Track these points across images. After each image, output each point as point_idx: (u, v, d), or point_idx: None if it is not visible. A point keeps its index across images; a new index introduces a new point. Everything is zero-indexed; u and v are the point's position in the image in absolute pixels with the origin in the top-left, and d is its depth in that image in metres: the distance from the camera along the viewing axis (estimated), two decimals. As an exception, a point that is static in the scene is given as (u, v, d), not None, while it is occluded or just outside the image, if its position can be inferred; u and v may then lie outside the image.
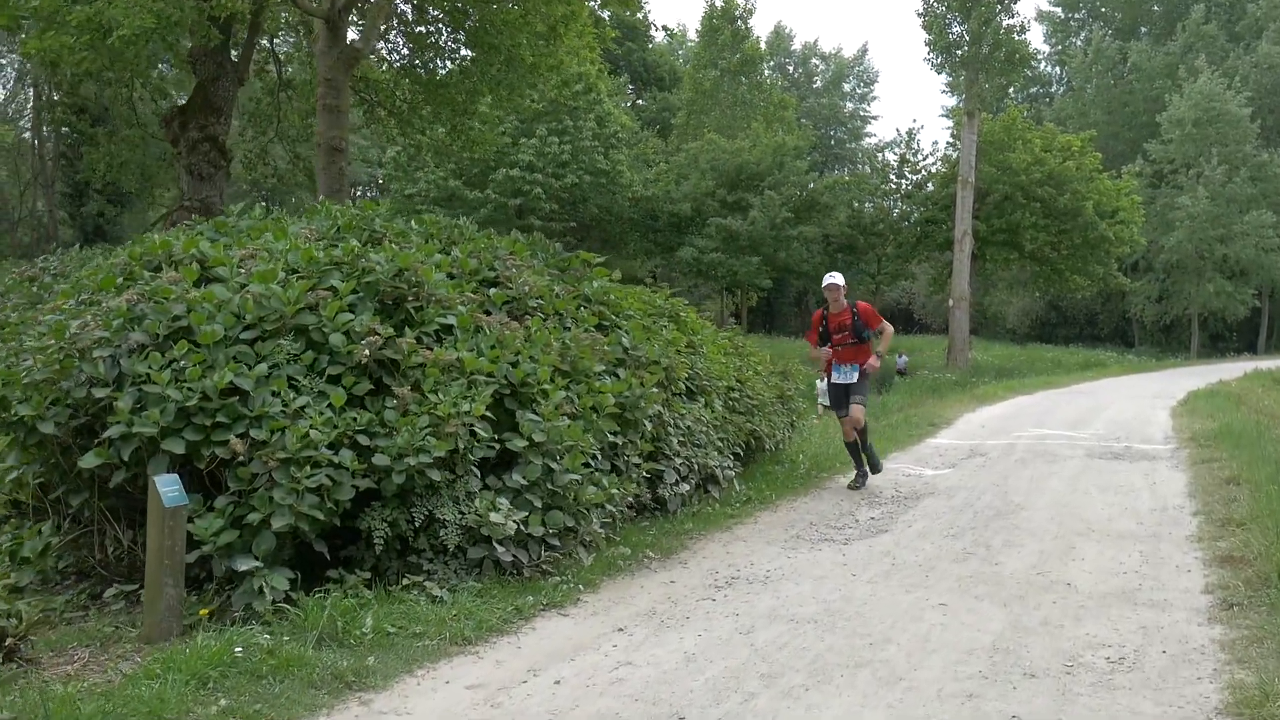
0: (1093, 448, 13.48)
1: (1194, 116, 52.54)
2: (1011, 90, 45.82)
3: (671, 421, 8.56)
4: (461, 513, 6.03)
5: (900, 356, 29.87)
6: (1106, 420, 17.57)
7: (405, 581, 5.81)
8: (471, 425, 6.14)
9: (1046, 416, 18.44)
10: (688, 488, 8.58)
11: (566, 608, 5.98)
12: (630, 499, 7.53)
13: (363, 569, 5.93)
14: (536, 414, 6.59)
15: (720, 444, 9.43)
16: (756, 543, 7.94)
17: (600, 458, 7.36)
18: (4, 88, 47.33)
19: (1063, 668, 4.92)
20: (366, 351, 6.05)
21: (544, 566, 6.37)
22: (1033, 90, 72.47)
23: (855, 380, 10.21)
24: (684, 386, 9.06)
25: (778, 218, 40.15)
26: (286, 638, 4.96)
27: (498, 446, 6.46)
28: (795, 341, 48.68)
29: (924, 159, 44.89)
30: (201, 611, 5.26)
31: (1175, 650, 5.19)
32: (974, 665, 4.95)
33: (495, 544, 6.07)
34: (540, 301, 7.79)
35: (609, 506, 7.12)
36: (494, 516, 5.97)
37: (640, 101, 58.74)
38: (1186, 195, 51.34)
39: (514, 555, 6.21)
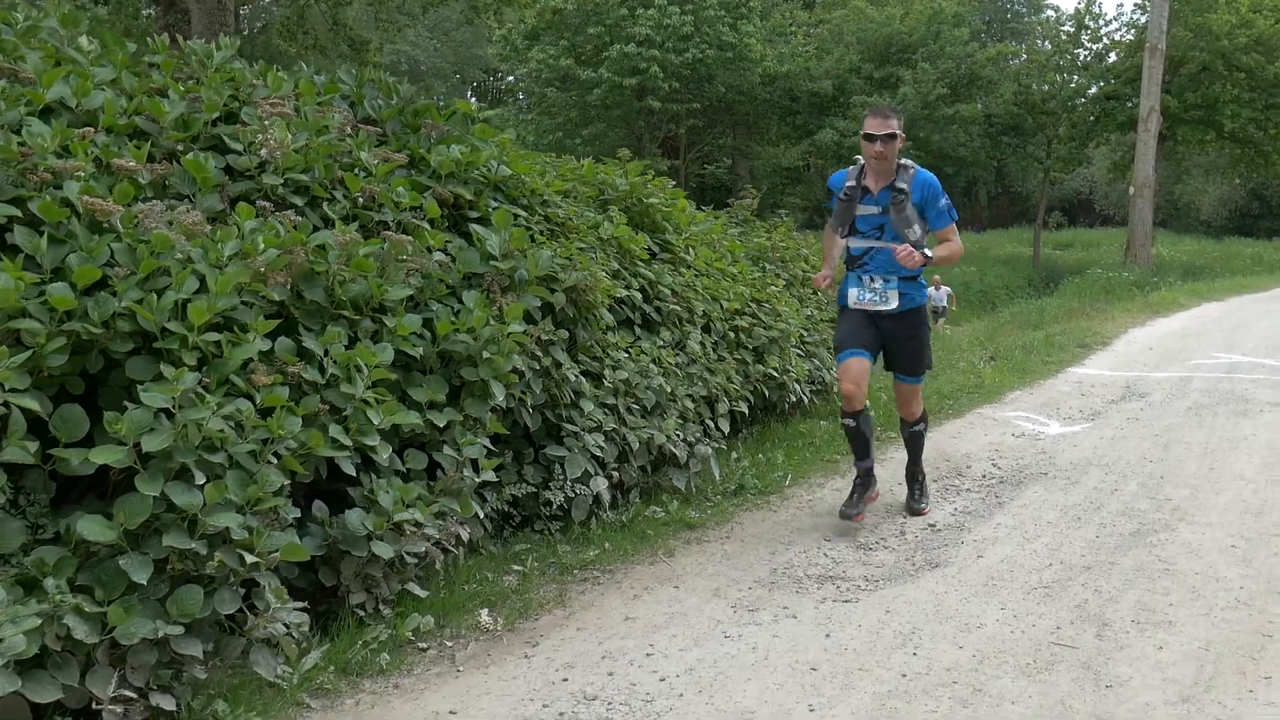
0: (1305, 390, 9.45)
1: None
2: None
3: (574, 378, 5.18)
4: (-83, 614, 2.89)
5: (940, 289, 19.59)
6: (1323, 342, 13.17)
7: None
8: (-42, 427, 2.96)
9: (1239, 334, 14.07)
10: (605, 484, 5.23)
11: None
12: (444, 530, 4.27)
13: None
14: (159, 395, 3.33)
15: (693, 403, 6.02)
16: (694, 591, 4.59)
17: (380, 457, 4.10)
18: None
19: None
20: None
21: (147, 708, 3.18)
22: (1242, -54, 63.60)
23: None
24: (613, 317, 5.64)
25: (932, 95, 35.20)
26: None
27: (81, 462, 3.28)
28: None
29: (1107, 24, 38.94)
30: None
31: None
32: None
33: None
34: (308, 176, 4.45)
35: (354, 555, 3.88)
36: (-52, 634, 2.79)
37: (788, -27, 53.53)
38: None
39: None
